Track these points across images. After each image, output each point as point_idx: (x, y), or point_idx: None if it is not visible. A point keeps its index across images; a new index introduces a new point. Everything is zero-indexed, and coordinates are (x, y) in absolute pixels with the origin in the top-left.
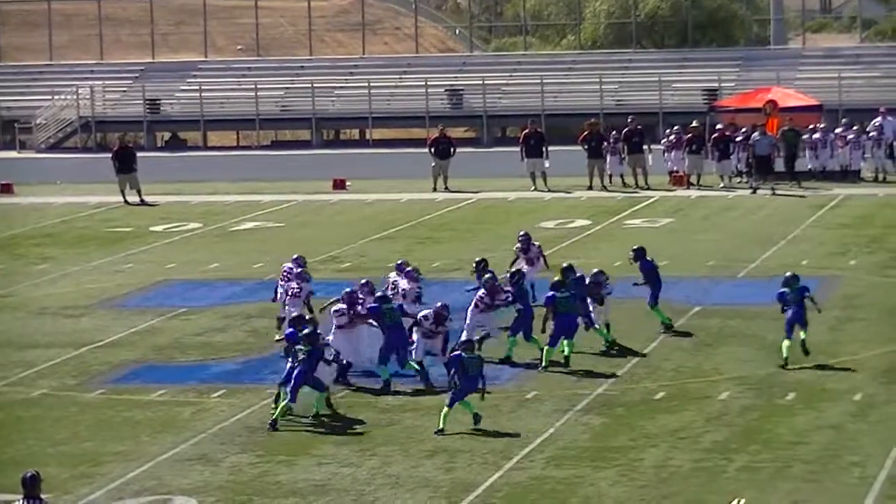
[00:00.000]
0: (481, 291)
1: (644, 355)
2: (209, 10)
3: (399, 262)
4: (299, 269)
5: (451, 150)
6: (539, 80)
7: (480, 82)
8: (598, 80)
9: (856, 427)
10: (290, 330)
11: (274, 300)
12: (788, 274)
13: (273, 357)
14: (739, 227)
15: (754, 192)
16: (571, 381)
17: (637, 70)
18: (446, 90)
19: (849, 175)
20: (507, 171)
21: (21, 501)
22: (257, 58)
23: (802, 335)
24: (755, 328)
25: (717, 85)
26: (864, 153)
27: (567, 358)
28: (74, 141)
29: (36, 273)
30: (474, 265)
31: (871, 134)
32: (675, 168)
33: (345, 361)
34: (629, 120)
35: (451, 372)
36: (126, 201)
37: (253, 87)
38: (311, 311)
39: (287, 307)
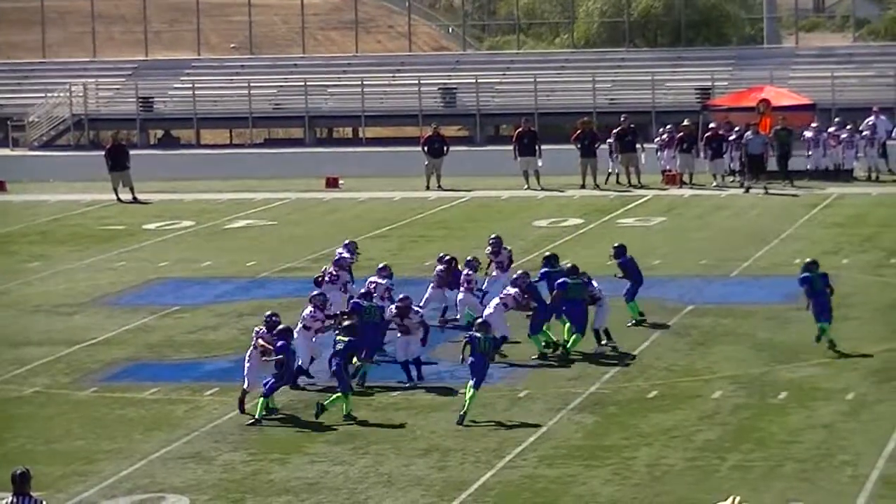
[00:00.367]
0: (513, 290)
1: (633, 357)
2: (202, 8)
3: (380, 265)
4: (339, 256)
5: (445, 148)
6: (532, 79)
7: (474, 81)
8: (591, 78)
9: (848, 426)
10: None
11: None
12: (808, 260)
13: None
14: (732, 225)
15: (747, 191)
16: (564, 379)
17: (630, 69)
18: (439, 88)
19: (842, 174)
20: (500, 169)
21: (11, 498)
22: (250, 56)
23: (826, 327)
24: (748, 327)
25: (710, 84)
26: (857, 152)
27: (566, 348)
28: (67, 138)
29: (29, 271)
30: (488, 251)
31: (864, 133)
32: (667, 167)
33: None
34: (622, 119)
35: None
36: (119, 199)
37: (246, 85)
38: (350, 297)
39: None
